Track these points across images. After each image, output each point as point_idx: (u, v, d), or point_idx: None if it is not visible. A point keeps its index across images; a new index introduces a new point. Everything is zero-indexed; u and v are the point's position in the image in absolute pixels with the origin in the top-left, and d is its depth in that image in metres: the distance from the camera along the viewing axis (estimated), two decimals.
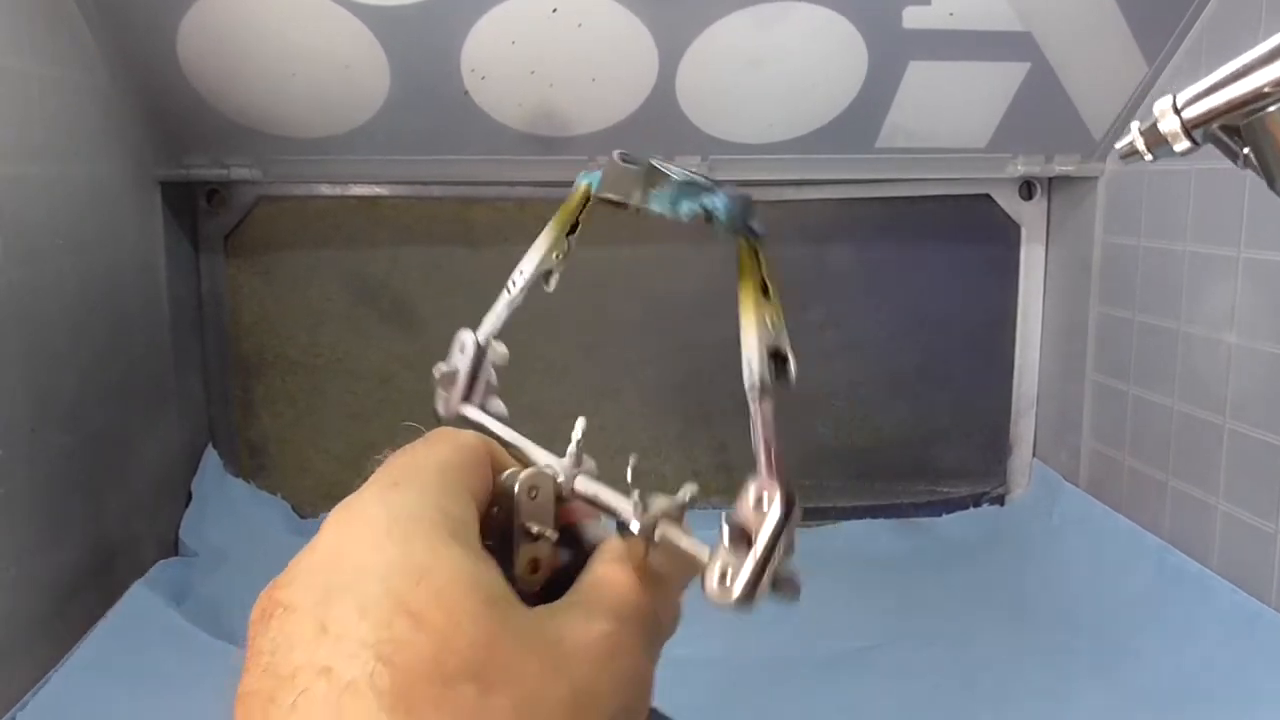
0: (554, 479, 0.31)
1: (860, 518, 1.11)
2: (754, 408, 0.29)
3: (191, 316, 1.03)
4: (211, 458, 1.04)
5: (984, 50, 0.90)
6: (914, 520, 1.12)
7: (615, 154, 0.34)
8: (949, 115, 0.97)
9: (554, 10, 0.83)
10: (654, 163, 0.33)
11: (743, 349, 0.31)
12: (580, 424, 0.34)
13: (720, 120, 0.95)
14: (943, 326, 1.12)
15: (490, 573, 0.25)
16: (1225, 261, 0.82)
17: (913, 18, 0.86)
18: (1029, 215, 1.11)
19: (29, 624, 0.71)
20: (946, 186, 1.08)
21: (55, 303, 0.75)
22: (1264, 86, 0.32)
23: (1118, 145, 0.36)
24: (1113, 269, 1.00)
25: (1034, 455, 1.14)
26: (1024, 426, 1.15)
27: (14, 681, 0.69)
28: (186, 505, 0.98)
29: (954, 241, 1.11)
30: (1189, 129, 0.34)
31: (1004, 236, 1.12)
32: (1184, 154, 0.34)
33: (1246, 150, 0.33)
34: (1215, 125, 0.33)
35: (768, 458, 0.28)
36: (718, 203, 0.32)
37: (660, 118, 0.93)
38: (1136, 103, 0.93)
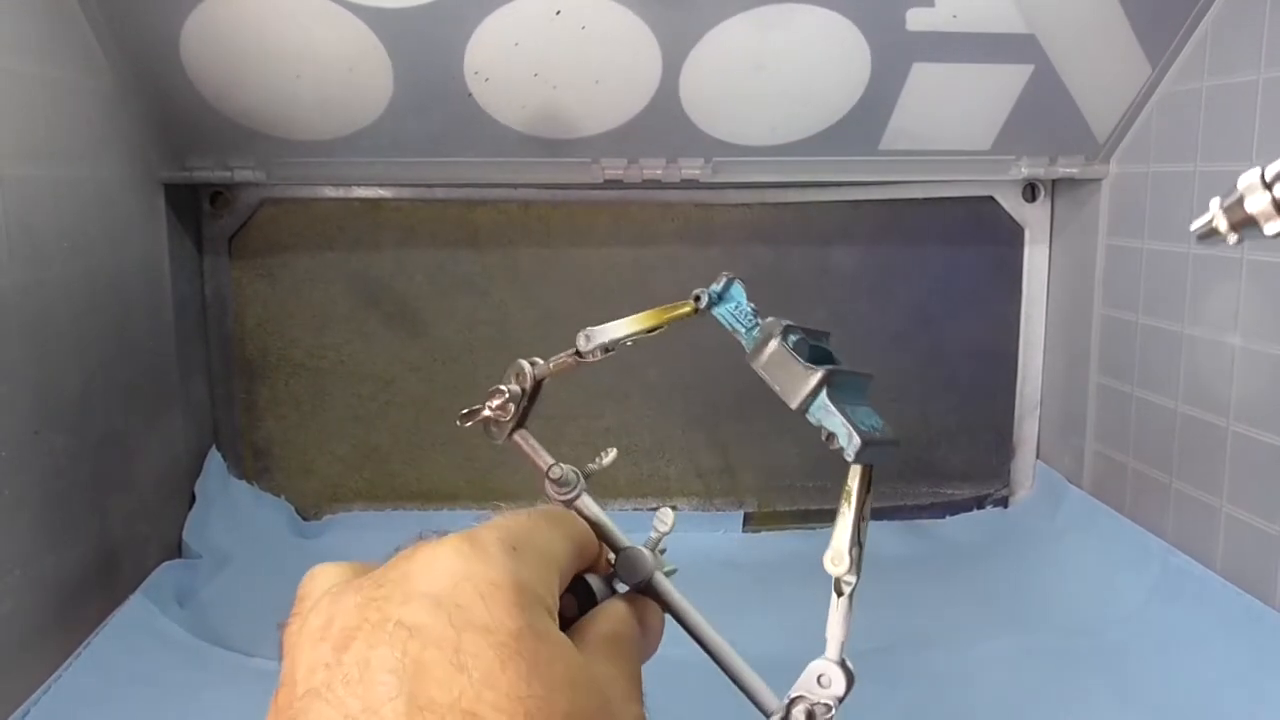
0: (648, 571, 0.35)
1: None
2: (835, 600, 0.33)
3: (195, 319, 1.03)
4: (215, 460, 1.04)
5: (988, 52, 0.90)
6: (917, 522, 1.11)
7: (780, 323, 0.36)
8: (952, 117, 0.97)
9: (558, 12, 0.83)
10: (834, 368, 0.35)
11: (833, 543, 0.34)
12: (611, 455, 0.38)
13: (724, 122, 0.95)
14: (946, 328, 1.12)
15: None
16: (1229, 264, 0.82)
17: (916, 20, 0.86)
18: (1033, 217, 1.11)
19: (33, 626, 0.71)
20: (950, 188, 1.08)
21: (59, 305, 0.76)
22: None
23: (1194, 226, 0.32)
24: (1116, 271, 1.00)
25: (1037, 457, 1.14)
26: (1027, 428, 1.15)
27: (18, 684, 0.69)
28: (190, 507, 0.98)
29: (957, 243, 1.11)
30: None
31: (1007, 238, 1.12)
32: (1277, 237, 0.30)
33: None
34: None
35: (839, 646, 0.32)
36: (851, 438, 0.34)
37: (664, 120, 0.93)
38: (1141, 104, 0.93)
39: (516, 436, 0.39)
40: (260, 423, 1.08)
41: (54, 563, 0.74)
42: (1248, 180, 0.30)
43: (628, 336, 0.37)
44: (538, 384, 0.39)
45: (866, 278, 1.11)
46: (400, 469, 1.10)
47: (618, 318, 0.38)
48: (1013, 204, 1.10)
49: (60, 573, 0.75)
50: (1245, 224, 0.31)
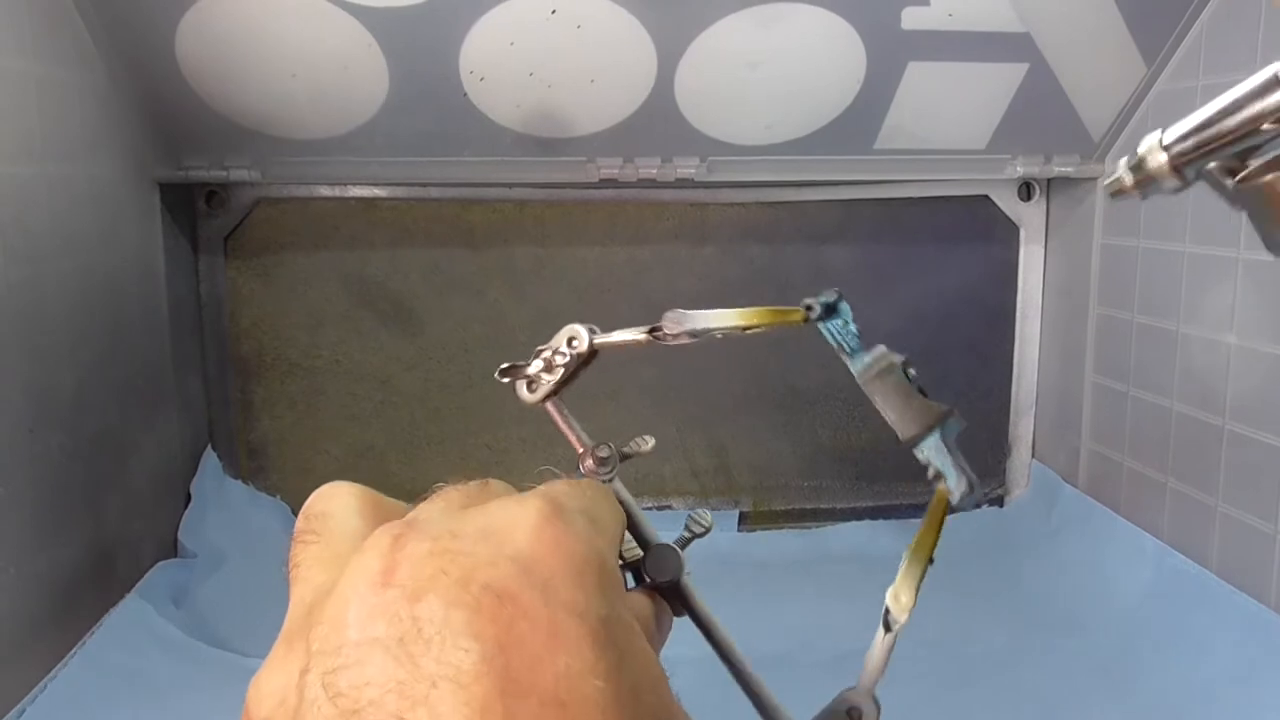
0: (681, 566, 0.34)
1: (859, 519, 1.11)
2: (881, 635, 0.33)
3: (191, 318, 1.03)
4: (211, 459, 1.04)
5: (983, 51, 0.90)
6: (913, 521, 1.11)
7: (897, 354, 0.37)
8: (948, 116, 0.97)
9: (553, 12, 0.83)
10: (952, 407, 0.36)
11: (901, 581, 0.34)
12: (650, 443, 0.36)
13: (719, 121, 0.95)
14: (941, 327, 1.12)
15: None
16: (1224, 263, 0.82)
17: (912, 19, 0.86)
18: (1028, 216, 1.11)
19: (27, 625, 0.71)
20: (945, 188, 1.08)
21: (54, 304, 0.75)
22: (1257, 121, 0.30)
23: (1105, 182, 0.35)
24: (1112, 270, 1.00)
25: (1033, 456, 1.15)
26: (1023, 427, 1.15)
27: (13, 683, 0.69)
28: (185, 506, 0.98)
29: (953, 243, 1.11)
30: (1178, 166, 0.32)
31: (1003, 237, 1.12)
32: (1175, 192, 0.33)
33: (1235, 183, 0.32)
34: (1208, 164, 0.32)
35: (874, 680, 0.32)
36: (960, 481, 0.36)
37: (659, 119, 0.93)
38: (1136, 103, 0.94)
39: (550, 404, 0.36)
40: (256, 422, 1.08)
41: (48, 562, 0.74)
42: (1148, 143, 0.33)
43: (721, 329, 0.36)
44: (593, 354, 0.36)
45: (862, 277, 1.11)
46: (396, 468, 1.10)
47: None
48: (1008, 203, 1.11)
49: (55, 572, 0.74)
50: (1146, 182, 0.33)
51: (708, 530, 0.36)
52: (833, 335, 0.38)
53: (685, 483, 1.12)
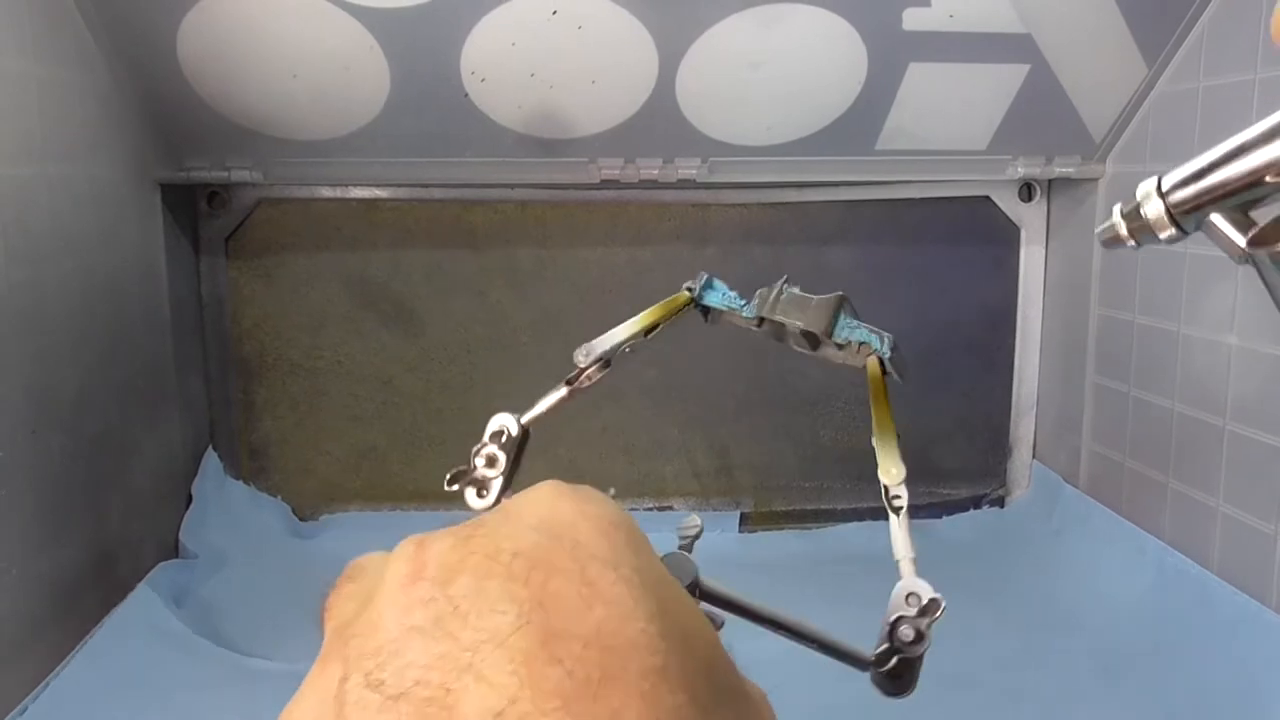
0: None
1: (860, 520, 1.11)
2: (894, 519, 0.37)
3: (192, 319, 1.03)
4: (212, 460, 1.04)
5: (984, 52, 0.90)
6: (913, 522, 1.11)
7: (782, 280, 0.41)
8: (949, 117, 0.97)
9: (554, 12, 0.83)
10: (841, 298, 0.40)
11: (886, 466, 0.38)
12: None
13: (720, 122, 0.95)
14: (942, 328, 1.12)
15: None
16: (1225, 263, 0.81)
17: (913, 19, 0.86)
18: (1029, 217, 1.11)
19: (29, 626, 0.71)
20: (946, 188, 1.09)
21: (56, 305, 0.75)
22: (1261, 172, 0.28)
23: (1098, 230, 0.32)
24: (1113, 271, 1.00)
25: (1034, 457, 1.15)
26: (1024, 428, 1.15)
27: (14, 684, 0.69)
28: (187, 507, 0.98)
29: (954, 243, 1.11)
30: (1176, 216, 0.30)
31: (1004, 238, 1.12)
32: (1171, 243, 0.31)
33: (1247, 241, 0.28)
34: (1209, 214, 0.29)
35: (911, 564, 0.35)
36: (883, 339, 0.40)
37: (660, 120, 0.93)
38: (1137, 104, 0.94)
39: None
40: (257, 423, 1.08)
41: (50, 562, 0.74)
42: (1145, 189, 0.31)
43: (627, 341, 0.37)
44: (526, 434, 0.36)
45: (863, 278, 1.11)
46: (397, 469, 1.10)
47: (617, 318, 0.38)
48: (1009, 204, 1.11)
49: (56, 572, 0.74)
50: (1143, 231, 0.31)
51: (700, 531, 0.37)
52: (719, 301, 0.41)
53: (686, 484, 1.12)
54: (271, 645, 0.82)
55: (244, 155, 0.96)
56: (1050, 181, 1.09)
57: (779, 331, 0.41)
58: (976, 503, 1.14)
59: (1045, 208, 1.11)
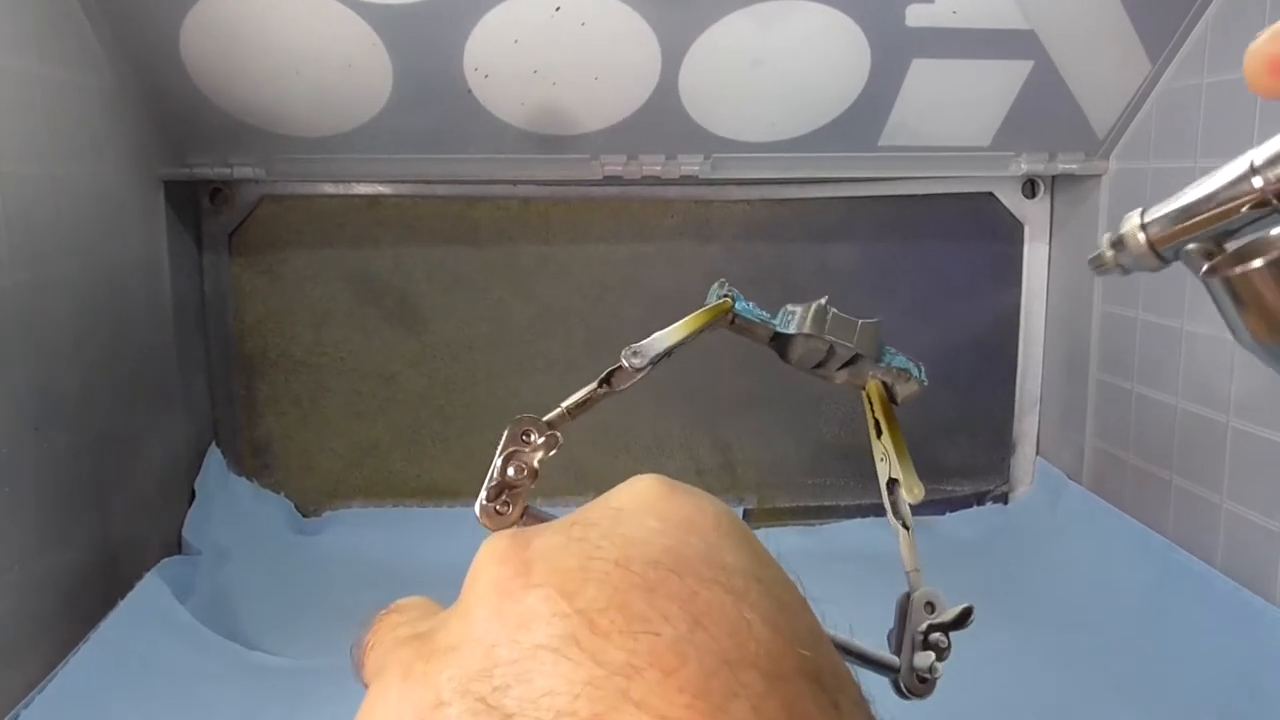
0: None
1: (864, 516, 1.11)
2: (904, 534, 0.38)
3: (195, 315, 1.03)
4: (215, 456, 1.04)
5: (987, 48, 0.90)
6: (916, 519, 1.11)
7: (822, 300, 0.42)
8: (952, 113, 0.97)
9: (557, 9, 0.83)
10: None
11: (905, 476, 0.40)
12: None
13: (723, 119, 0.95)
14: (945, 325, 1.12)
15: None
16: None
17: (916, 16, 0.86)
18: (1032, 213, 1.11)
19: (33, 622, 0.71)
20: (949, 185, 1.08)
21: (59, 302, 0.76)
22: (1231, 211, 0.29)
23: (1090, 257, 0.34)
24: None
25: (1037, 453, 1.14)
26: (1027, 424, 1.15)
27: (18, 679, 0.69)
28: (190, 504, 0.98)
29: (957, 240, 1.11)
30: (1156, 247, 0.32)
31: (1007, 235, 1.12)
32: (1155, 270, 0.33)
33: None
34: (1186, 244, 0.31)
35: (919, 574, 0.36)
36: (921, 366, 0.43)
37: (663, 116, 0.93)
38: (1140, 100, 0.93)
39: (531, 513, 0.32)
40: (260, 419, 1.08)
41: (53, 560, 0.74)
42: (1129, 223, 0.32)
43: (674, 346, 0.37)
44: (556, 440, 0.33)
45: (866, 274, 1.11)
46: (400, 466, 1.10)
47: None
48: (1012, 200, 1.10)
49: (60, 570, 0.75)
50: (1128, 259, 0.33)
51: None
52: (749, 312, 0.41)
53: (690, 480, 1.12)
54: (276, 641, 0.82)
55: (247, 152, 0.96)
56: (1054, 178, 1.09)
57: (784, 348, 0.41)
58: (980, 499, 1.14)
59: (1049, 204, 1.11)
